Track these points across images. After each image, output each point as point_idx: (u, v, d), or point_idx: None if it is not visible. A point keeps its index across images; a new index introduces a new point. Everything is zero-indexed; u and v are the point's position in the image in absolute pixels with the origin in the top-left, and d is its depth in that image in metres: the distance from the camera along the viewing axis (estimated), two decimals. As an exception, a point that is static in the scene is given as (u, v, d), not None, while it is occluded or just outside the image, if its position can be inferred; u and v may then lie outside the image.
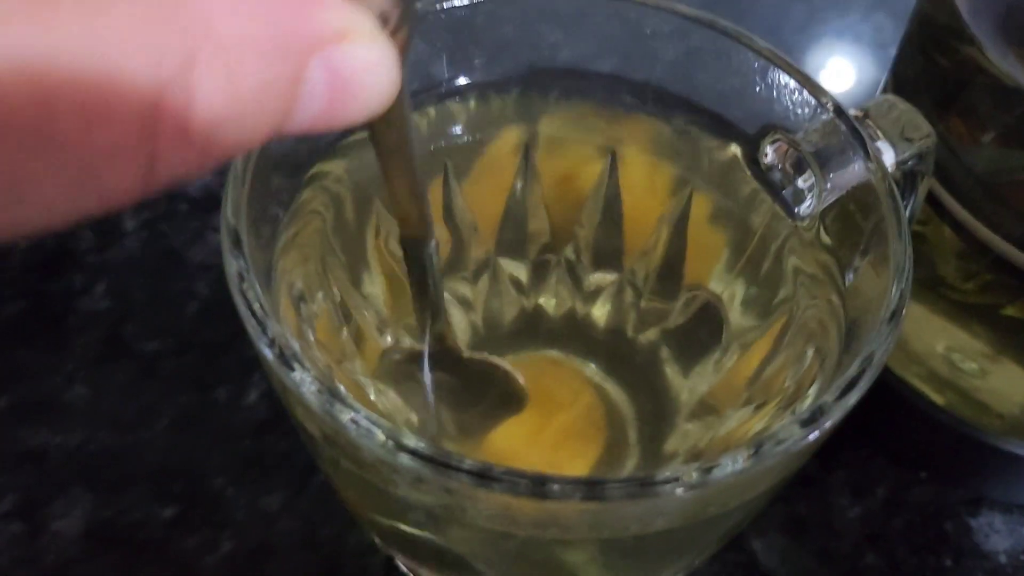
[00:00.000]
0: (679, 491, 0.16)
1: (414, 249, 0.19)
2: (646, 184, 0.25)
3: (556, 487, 0.15)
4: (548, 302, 0.26)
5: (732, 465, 0.16)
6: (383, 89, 0.12)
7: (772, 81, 0.22)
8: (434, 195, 0.24)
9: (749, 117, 0.23)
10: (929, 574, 0.29)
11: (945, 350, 0.30)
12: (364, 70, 0.12)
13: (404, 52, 0.13)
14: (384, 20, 0.12)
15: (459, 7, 0.22)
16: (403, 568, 0.27)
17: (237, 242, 0.18)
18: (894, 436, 0.31)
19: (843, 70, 0.43)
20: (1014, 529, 0.30)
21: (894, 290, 0.18)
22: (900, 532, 0.29)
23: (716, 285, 0.24)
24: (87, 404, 0.30)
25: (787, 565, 0.28)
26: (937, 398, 0.30)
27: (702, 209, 0.24)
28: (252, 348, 0.17)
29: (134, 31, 0.10)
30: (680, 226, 0.24)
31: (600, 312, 0.26)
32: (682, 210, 0.24)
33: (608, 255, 0.26)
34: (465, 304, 0.26)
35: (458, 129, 0.24)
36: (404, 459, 0.15)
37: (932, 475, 0.31)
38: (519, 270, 0.26)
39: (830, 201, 0.22)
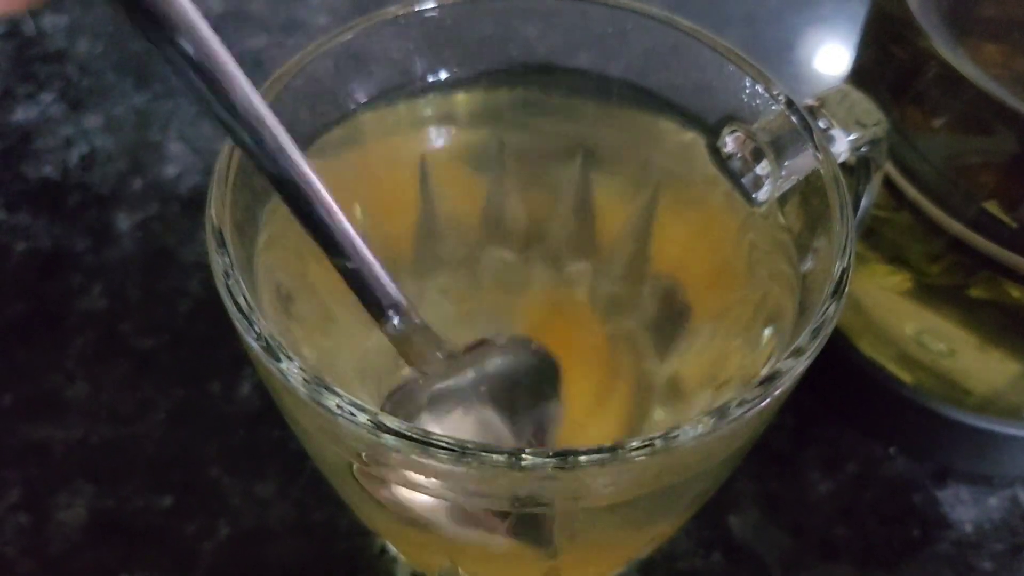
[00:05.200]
0: (645, 457, 0.17)
1: (385, 322, 0.20)
2: (616, 176, 0.26)
3: (529, 459, 0.16)
4: (526, 293, 0.27)
5: (694, 431, 0.17)
6: None
7: (729, 75, 0.23)
8: (413, 192, 0.25)
9: (710, 109, 0.24)
10: (897, 545, 0.30)
11: (915, 331, 0.31)
12: None
13: None
14: None
15: (430, 8, 0.23)
16: (394, 549, 0.28)
17: (221, 241, 0.19)
18: (864, 413, 0.32)
19: (817, 57, 0.44)
20: (979, 499, 0.31)
21: (837, 268, 0.19)
22: (869, 505, 0.30)
23: (681, 271, 0.25)
24: (87, 399, 0.32)
25: (761, 539, 0.30)
26: (906, 376, 0.31)
27: (668, 198, 0.25)
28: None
29: None
30: (647, 215, 0.26)
31: (576, 300, 0.27)
32: (649, 200, 0.25)
33: (582, 245, 0.27)
34: (445, 295, 0.27)
35: (432, 126, 0.25)
36: (388, 439, 0.16)
37: (901, 450, 0.32)
38: (497, 263, 0.27)
39: (786, 188, 0.23)
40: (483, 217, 0.26)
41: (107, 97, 0.41)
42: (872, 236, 0.29)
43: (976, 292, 0.28)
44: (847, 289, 0.19)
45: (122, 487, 0.30)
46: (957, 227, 0.26)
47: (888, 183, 0.28)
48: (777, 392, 0.18)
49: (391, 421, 0.16)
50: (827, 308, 0.19)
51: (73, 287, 0.35)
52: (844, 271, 0.19)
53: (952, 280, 0.29)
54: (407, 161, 0.25)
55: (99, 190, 0.38)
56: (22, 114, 0.40)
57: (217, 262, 0.19)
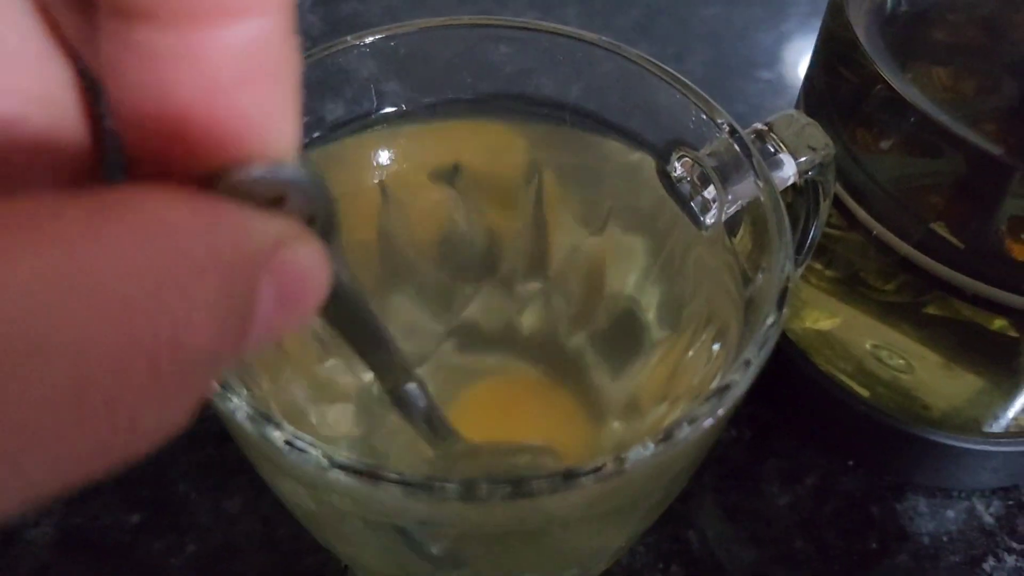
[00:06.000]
0: (596, 482, 0.17)
1: (399, 395, 0.20)
2: (570, 199, 0.27)
3: (484, 488, 0.17)
4: (484, 314, 0.28)
5: (643, 451, 0.17)
6: (322, 285, 0.12)
7: (678, 103, 0.24)
8: (370, 222, 0.26)
9: (660, 135, 0.25)
10: (856, 557, 0.30)
11: (873, 348, 0.31)
12: (305, 272, 0.12)
13: (333, 239, 0.13)
14: (309, 220, 0.13)
15: (389, 37, 0.24)
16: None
17: None
18: (823, 428, 0.33)
19: (782, 74, 0.45)
20: (937, 511, 0.31)
21: (776, 289, 0.20)
22: (828, 518, 0.31)
23: (634, 292, 0.26)
24: (57, 417, 0.32)
25: (720, 551, 0.30)
26: (863, 391, 0.31)
27: (621, 220, 0.26)
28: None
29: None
30: (601, 237, 0.26)
31: (531, 320, 0.28)
32: (603, 221, 0.26)
33: (537, 266, 0.27)
34: (403, 312, 0.27)
35: (392, 152, 0.26)
36: (337, 475, 0.17)
37: (859, 463, 0.32)
38: (455, 283, 0.27)
39: (731, 212, 0.23)
40: (441, 239, 0.27)
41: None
42: (826, 254, 0.30)
43: (932, 310, 0.29)
44: (786, 307, 0.20)
45: (91, 505, 0.30)
46: (906, 248, 0.27)
47: (839, 204, 0.28)
48: (723, 408, 0.18)
49: (341, 456, 0.17)
50: (769, 324, 0.19)
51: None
52: (783, 291, 0.20)
53: (905, 298, 0.30)
54: (367, 187, 0.26)
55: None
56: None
57: None
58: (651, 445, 0.18)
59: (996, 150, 0.24)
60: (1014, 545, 0.31)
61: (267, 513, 0.30)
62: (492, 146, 0.26)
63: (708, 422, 0.18)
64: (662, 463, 0.18)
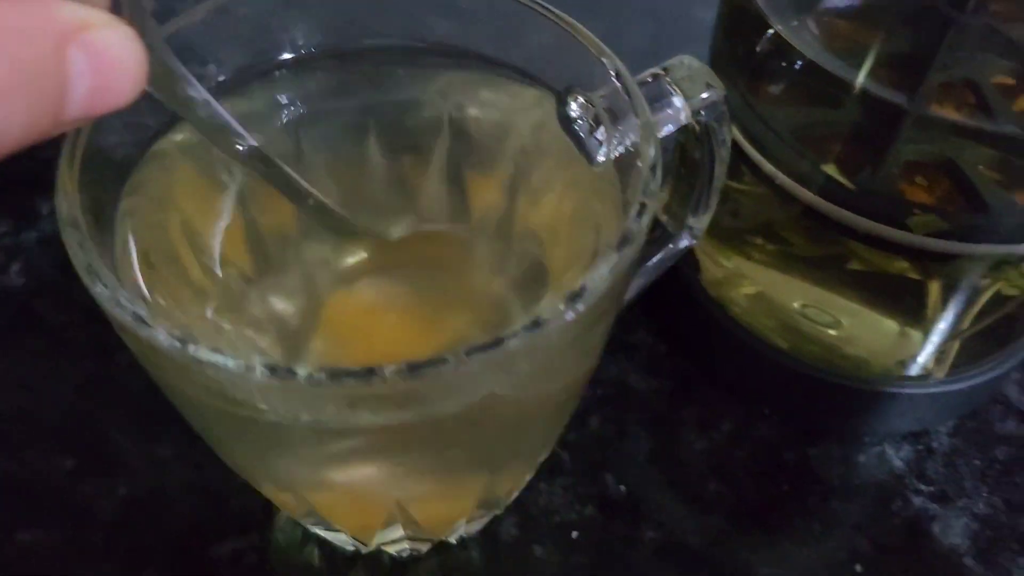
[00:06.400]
0: (480, 362, 0.18)
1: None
2: (482, 144, 0.28)
3: (389, 371, 0.17)
4: (399, 254, 0.28)
5: (558, 307, 0.18)
6: (138, 66, 0.15)
7: (575, 48, 0.25)
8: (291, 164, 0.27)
9: (559, 78, 0.26)
10: (767, 499, 0.31)
11: (801, 307, 0.32)
12: (118, 50, 0.14)
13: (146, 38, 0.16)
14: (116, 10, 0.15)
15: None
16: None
17: (75, 223, 0.20)
18: (741, 379, 0.34)
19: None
20: (848, 457, 0.32)
21: (647, 210, 0.20)
22: (742, 462, 0.32)
23: (542, 231, 0.27)
24: (1, 370, 0.33)
25: (637, 493, 0.31)
26: (783, 343, 0.32)
27: (529, 163, 0.27)
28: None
29: None
30: (513, 181, 0.27)
31: (447, 263, 0.29)
32: (515, 166, 0.27)
33: (454, 210, 0.28)
34: (325, 250, 0.28)
35: (299, 100, 0.27)
36: (258, 375, 0.17)
37: (775, 412, 0.33)
38: (376, 227, 0.28)
39: (620, 150, 0.24)
40: (355, 184, 0.28)
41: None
42: (738, 210, 0.31)
43: (855, 266, 0.30)
44: (646, 223, 0.20)
45: (26, 451, 0.31)
46: (808, 195, 0.28)
47: (745, 158, 0.29)
48: (581, 306, 0.19)
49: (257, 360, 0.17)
50: (622, 249, 0.20)
51: (-8, 267, 0.36)
52: (639, 220, 0.20)
53: (819, 252, 0.31)
54: (280, 131, 0.27)
55: (25, 178, 0.39)
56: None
57: (71, 235, 0.19)
58: (561, 305, 0.18)
59: (886, 95, 0.25)
60: (922, 487, 0.32)
61: (198, 460, 0.31)
62: (401, 94, 0.27)
63: (572, 314, 0.19)
64: (574, 327, 0.19)
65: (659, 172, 0.21)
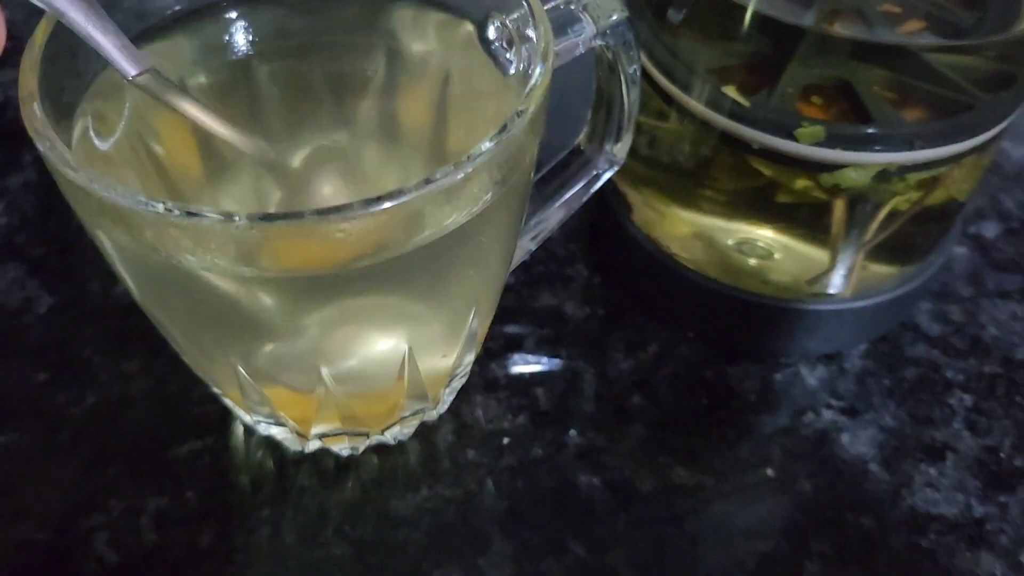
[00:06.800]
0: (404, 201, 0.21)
1: None
2: (413, 68, 0.31)
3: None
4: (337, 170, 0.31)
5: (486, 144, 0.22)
6: None
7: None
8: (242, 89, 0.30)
9: (480, 7, 0.29)
10: (686, 411, 0.34)
11: (736, 244, 0.35)
12: None
13: None
14: None
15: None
16: (240, 414, 0.32)
17: (34, 97, 0.22)
18: (667, 304, 0.36)
19: None
20: (766, 375, 0.35)
21: (513, 115, 0.23)
22: (665, 379, 0.34)
23: (468, 142, 0.30)
24: (-19, 296, 0.36)
25: (563, 406, 0.33)
26: (713, 274, 0.35)
27: (455, 81, 0.30)
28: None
29: None
30: (443, 98, 0.30)
31: (383, 179, 0.31)
32: (442, 84, 0.30)
33: (389, 130, 0.31)
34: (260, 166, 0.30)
35: (252, 32, 0.30)
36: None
37: (698, 335, 0.36)
38: (315, 144, 0.31)
39: (526, 63, 0.27)
40: (298, 105, 0.31)
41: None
42: (663, 147, 0.34)
43: (783, 198, 0.32)
44: (524, 122, 0.23)
45: (3, 366, 0.34)
46: (713, 115, 0.30)
47: (664, 94, 0.32)
48: (469, 169, 0.21)
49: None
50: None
51: (-22, 207, 0.39)
52: (523, 111, 0.23)
53: (736, 182, 0.33)
54: (235, 60, 0.30)
55: (11, 130, 0.42)
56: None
57: (32, 111, 0.22)
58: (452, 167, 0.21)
59: (781, 16, 0.28)
60: (832, 403, 0.34)
61: (161, 372, 0.34)
62: (343, 28, 0.30)
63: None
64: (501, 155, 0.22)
65: (545, 81, 0.24)
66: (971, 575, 0.30)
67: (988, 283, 0.38)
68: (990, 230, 0.40)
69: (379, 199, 0.20)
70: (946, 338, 0.36)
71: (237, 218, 0.20)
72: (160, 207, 0.20)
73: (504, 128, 0.22)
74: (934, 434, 0.33)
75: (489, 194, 0.24)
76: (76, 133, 0.25)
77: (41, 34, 0.24)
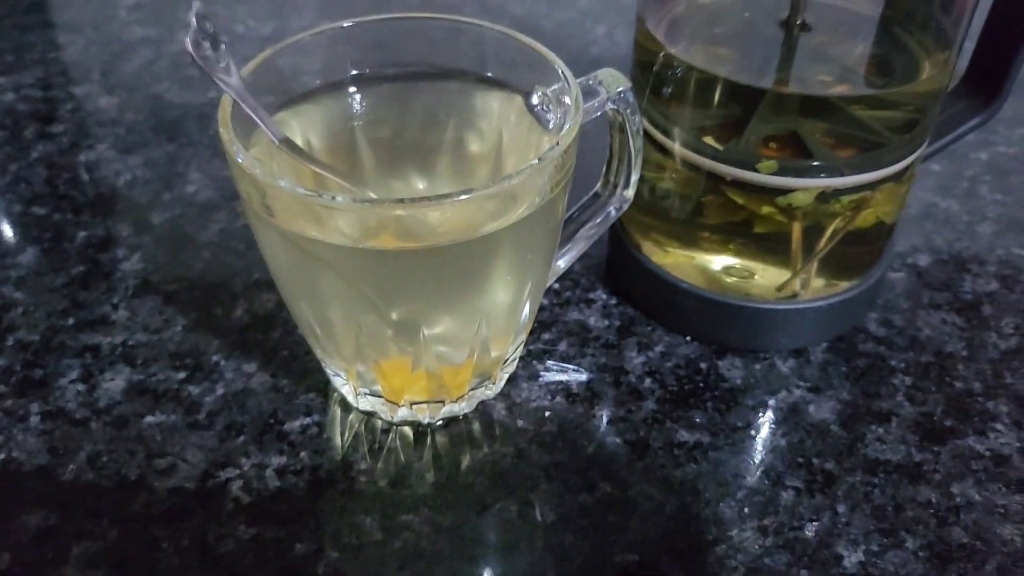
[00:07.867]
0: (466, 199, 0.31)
1: None
2: (477, 127, 0.41)
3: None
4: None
5: (533, 163, 0.32)
6: None
7: (538, 59, 0.39)
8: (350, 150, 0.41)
9: (527, 80, 0.39)
10: (685, 392, 0.43)
11: (724, 268, 0.45)
12: None
13: None
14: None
15: (356, 25, 0.39)
16: (345, 392, 0.42)
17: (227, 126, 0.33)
18: (670, 315, 0.46)
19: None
20: (747, 366, 0.44)
21: (548, 147, 0.34)
22: (669, 370, 0.44)
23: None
24: (127, 319, 0.46)
25: (591, 389, 0.43)
26: (702, 285, 0.44)
27: (508, 136, 0.40)
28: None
29: None
30: (498, 149, 0.41)
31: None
32: (497, 138, 0.41)
33: (460, 171, 0.42)
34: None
35: (365, 103, 0.41)
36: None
37: (695, 338, 0.45)
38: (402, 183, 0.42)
39: (563, 120, 0.38)
40: (390, 161, 0.41)
41: (146, 146, 0.57)
42: (664, 193, 0.44)
43: (760, 229, 0.42)
44: (556, 154, 0.34)
45: (150, 368, 0.44)
46: (698, 158, 0.41)
47: (661, 148, 0.43)
48: (505, 184, 0.32)
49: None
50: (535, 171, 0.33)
51: (119, 256, 0.49)
52: (557, 143, 0.34)
53: (721, 216, 0.43)
54: (345, 127, 0.40)
55: (139, 200, 0.53)
56: (83, 156, 0.56)
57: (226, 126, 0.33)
58: (535, 160, 0.32)
59: (746, 83, 0.39)
60: (801, 384, 0.43)
61: (274, 371, 0.43)
62: (420, 104, 0.41)
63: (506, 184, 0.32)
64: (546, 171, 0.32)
65: (574, 128, 0.35)
66: (912, 500, 0.38)
67: (923, 298, 0.48)
68: (924, 260, 0.51)
69: (459, 192, 0.31)
70: (890, 338, 0.46)
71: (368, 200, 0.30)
72: (329, 197, 0.30)
73: (545, 154, 0.33)
74: (881, 404, 0.42)
75: (539, 198, 0.34)
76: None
77: (226, 102, 0.34)
